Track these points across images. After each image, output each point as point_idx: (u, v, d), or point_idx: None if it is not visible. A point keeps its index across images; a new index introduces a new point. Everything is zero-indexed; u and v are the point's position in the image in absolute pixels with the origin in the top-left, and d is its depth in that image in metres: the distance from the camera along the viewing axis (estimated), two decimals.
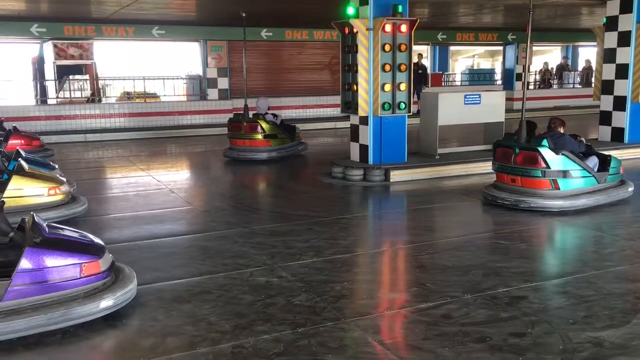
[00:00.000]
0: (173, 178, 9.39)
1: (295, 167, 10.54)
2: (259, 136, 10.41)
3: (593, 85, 11.69)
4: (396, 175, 8.48)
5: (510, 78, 20.52)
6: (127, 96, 17.18)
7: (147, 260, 5.13)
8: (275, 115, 10.92)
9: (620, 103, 10.69)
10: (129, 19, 14.60)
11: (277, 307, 4.07)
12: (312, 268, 4.87)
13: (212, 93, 16.80)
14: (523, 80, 9.13)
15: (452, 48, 24.05)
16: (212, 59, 16.62)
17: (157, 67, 18.52)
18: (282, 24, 16.58)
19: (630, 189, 7.03)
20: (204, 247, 5.60)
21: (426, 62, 20.06)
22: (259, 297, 4.26)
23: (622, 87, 10.58)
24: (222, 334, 3.68)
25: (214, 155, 12.48)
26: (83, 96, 15.85)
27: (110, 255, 4.17)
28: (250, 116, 10.75)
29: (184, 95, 17.67)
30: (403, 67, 8.62)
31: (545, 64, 22.19)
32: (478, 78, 22.50)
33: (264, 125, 10.40)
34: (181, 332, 3.72)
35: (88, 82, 15.94)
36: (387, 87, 8.55)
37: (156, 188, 8.42)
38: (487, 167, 8.07)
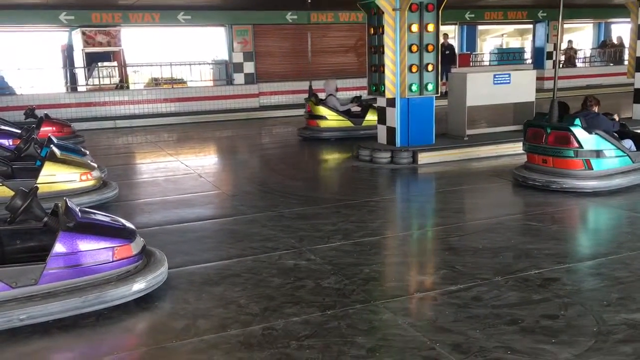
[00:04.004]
0: (201, 163, 9.46)
1: (323, 150, 10.52)
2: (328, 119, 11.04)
3: (627, 62, 11.36)
4: (424, 158, 8.40)
5: (540, 57, 20.04)
6: (155, 82, 17.31)
7: (177, 244, 5.19)
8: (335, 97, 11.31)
9: None
10: (155, 4, 14.67)
11: (306, 290, 4.08)
12: (341, 251, 4.87)
13: (238, 78, 16.82)
14: (554, 58, 8.91)
15: (480, 27, 23.62)
16: (238, 43, 16.62)
17: (183, 53, 18.61)
18: (308, 7, 16.45)
19: None
20: (232, 230, 5.64)
21: (453, 41, 19.74)
22: (288, 280, 4.28)
23: None
24: (252, 316, 3.71)
25: (240, 139, 12.55)
26: (112, 83, 16.02)
27: (142, 239, 4.23)
28: (323, 98, 11.34)
29: (210, 80, 17.74)
30: (430, 48, 8.49)
31: (570, 42, 21.59)
32: (507, 57, 22.08)
33: (324, 111, 10.98)
34: (212, 314, 3.76)
35: (116, 69, 16.10)
36: (414, 68, 8.45)
37: (185, 173, 8.50)
38: (517, 148, 7.93)
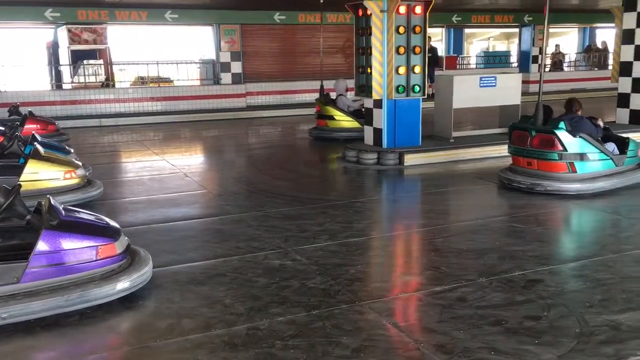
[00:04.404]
0: (187, 162, 9.42)
1: (310, 151, 10.53)
2: (335, 119, 11.09)
3: (611, 67, 11.50)
4: (410, 159, 8.43)
5: (526, 61, 20.20)
6: (141, 81, 17.21)
7: (162, 243, 5.17)
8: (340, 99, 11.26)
9: (638, 85, 10.51)
10: (142, 2, 14.58)
11: (292, 290, 4.08)
12: (327, 251, 4.87)
13: (226, 77, 16.78)
14: (540, 62, 8.99)
15: (466, 30, 23.77)
16: (225, 42, 16.57)
17: (170, 52, 18.52)
18: (296, 7, 16.46)
19: None
20: (218, 230, 5.62)
21: (438, 44, 19.84)
22: (273, 280, 4.28)
23: None
24: (237, 316, 3.70)
25: (227, 139, 12.52)
26: (97, 81, 15.91)
27: (126, 238, 4.20)
28: (334, 97, 11.35)
29: (197, 79, 17.67)
30: (417, 50, 8.53)
31: (557, 46, 21.82)
32: (493, 61, 22.24)
33: (332, 111, 11.02)
34: (197, 313, 3.75)
35: (102, 66, 15.98)
36: (402, 70, 8.48)
37: (170, 172, 8.46)
38: (502, 150, 7.99)
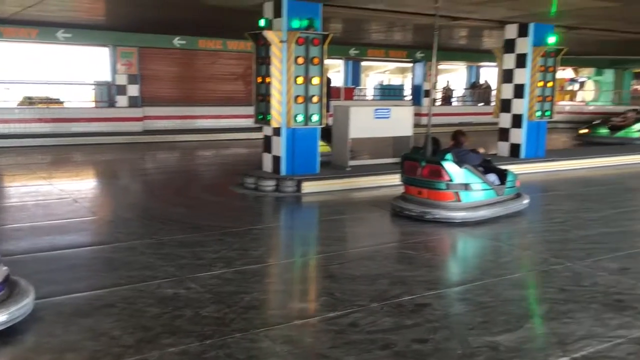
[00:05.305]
0: (77, 187, 8.99)
1: (208, 178, 10.40)
2: None
3: (493, 103, 12.39)
4: (308, 187, 8.57)
5: (418, 94, 21.27)
6: (29, 101, 16.29)
7: (46, 272, 4.88)
8: None
9: (517, 121, 11.40)
10: (32, 20, 13.85)
11: (185, 319, 3.99)
12: (222, 279, 4.82)
13: (122, 100, 16.28)
14: (429, 96, 9.53)
15: (364, 63, 24.70)
16: (122, 65, 16.12)
17: (63, 72, 17.73)
18: (196, 33, 16.38)
19: (526, 201, 7.49)
20: (108, 258, 5.40)
21: (330, 75, 20.43)
22: (166, 309, 4.16)
23: (519, 106, 11.30)
24: (125, 348, 3.56)
25: (122, 163, 12.10)
26: None
27: (5, 267, 3.93)
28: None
29: (92, 101, 17.00)
30: (316, 80, 8.75)
31: (447, 82, 23.27)
32: (389, 93, 23.24)
33: None
34: (81, 347, 3.56)
35: None
36: (300, 100, 8.65)
37: (58, 197, 8.03)
38: (396, 179, 8.31)
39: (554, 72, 11.38)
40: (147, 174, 11.04)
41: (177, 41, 16.55)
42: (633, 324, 4.02)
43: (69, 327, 3.84)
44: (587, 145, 15.40)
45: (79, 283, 4.69)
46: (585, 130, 16.26)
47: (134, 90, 16.35)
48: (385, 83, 27.01)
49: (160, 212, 7.27)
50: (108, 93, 16.55)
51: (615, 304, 4.39)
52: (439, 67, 22.83)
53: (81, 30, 15.16)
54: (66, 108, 16.13)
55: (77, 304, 4.25)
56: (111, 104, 16.32)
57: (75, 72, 18.02)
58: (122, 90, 16.22)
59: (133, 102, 16.35)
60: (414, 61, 21.34)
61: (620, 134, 15.61)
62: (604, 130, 15.88)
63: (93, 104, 16.82)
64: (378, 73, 28.58)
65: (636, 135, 15.46)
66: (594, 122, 17.09)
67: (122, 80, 16.21)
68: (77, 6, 11.89)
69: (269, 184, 8.57)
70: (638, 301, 4.47)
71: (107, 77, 16.58)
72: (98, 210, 7.48)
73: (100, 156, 12.78)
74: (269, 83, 8.62)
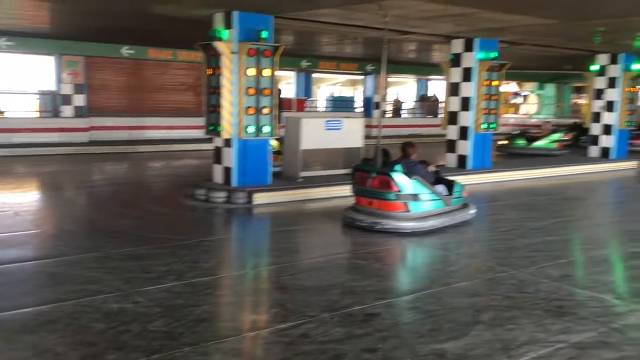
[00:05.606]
0: (19, 200, 8.69)
1: (157, 189, 10.23)
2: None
3: (441, 115, 12.68)
4: (259, 198, 8.55)
5: (369, 106, 21.56)
6: None
7: None
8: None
9: (464, 133, 11.70)
10: None
11: (131, 334, 3.91)
12: (171, 292, 4.75)
13: (67, 110, 15.85)
14: (379, 108, 9.68)
15: (315, 75, 24.86)
16: (68, 74, 15.71)
17: (5, 81, 17.13)
18: (145, 43, 16.14)
19: (472, 211, 7.68)
20: (52, 273, 5.24)
21: (282, 86, 20.53)
22: (112, 324, 4.07)
23: (466, 118, 11.60)
24: None
25: (66, 175, 11.77)
26: None
27: None
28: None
29: (36, 111, 16.48)
30: (266, 92, 8.76)
31: (397, 94, 23.69)
32: (340, 105, 23.44)
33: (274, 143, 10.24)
34: None
35: None
36: (251, 111, 8.64)
37: None
38: (347, 190, 8.38)
39: (499, 85, 11.76)
40: (93, 186, 10.77)
41: (125, 50, 16.26)
42: (573, 329, 4.18)
43: (11, 344, 3.71)
44: (508, 156, 15.84)
45: (21, 299, 4.53)
46: (505, 142, 16.84)
47: (80, 100, 15.95)
48: (336, 95, 27.22)
49: (107, 225, 7.10)
50: (53, 103, 16.09)
51: (557, 310, 4.56)
52: (389, 79, 23.19)
53: (25, 39, 14.71)
54: (7, 118, 15.58)
55: (20, 320, 4.11)
56: (56, 114, 15.87)
57: (19, 81, 17.42)
58: (67, 100, 15.80)
59: (79, 112, 15.93)
60: (365, 74, 21.63)
61: (537, 144, 16.28)
62: (521, 142, 16.51)
63: (37, 114, 16.30)
64: (329, 85, 28.81)
65: (552, 146, 16.16)
66: (512, 133, 17.78)
67: (67, 89, 15.79)
68: (20, 14, 11.54)
69: (220, 196, 8.50)
70: (577, 307, 4.66)
71: (52, 86, 16.12)
72: (41, 223, 7.26)
73: (44, 167, 12.39)
74: (220, 94, 8.57)
